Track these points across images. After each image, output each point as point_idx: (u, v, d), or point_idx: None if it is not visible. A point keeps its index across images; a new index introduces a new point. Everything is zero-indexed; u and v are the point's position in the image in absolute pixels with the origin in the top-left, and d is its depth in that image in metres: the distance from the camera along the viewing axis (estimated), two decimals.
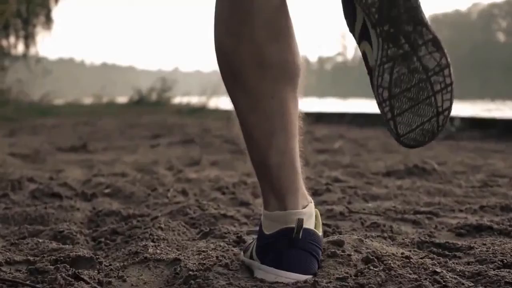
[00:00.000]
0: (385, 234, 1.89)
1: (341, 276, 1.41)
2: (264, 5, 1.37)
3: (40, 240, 1.79)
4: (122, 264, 1.55)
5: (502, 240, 1.80)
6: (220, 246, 1.70)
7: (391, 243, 1.79)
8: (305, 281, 1.37)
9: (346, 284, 1.35)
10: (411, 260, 1.53)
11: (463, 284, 1.36)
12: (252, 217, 2.22)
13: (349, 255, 1.53)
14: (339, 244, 1.61)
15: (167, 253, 1.61)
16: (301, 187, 1.47)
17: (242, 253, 1.59)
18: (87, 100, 17.43)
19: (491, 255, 1.61)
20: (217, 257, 1.57)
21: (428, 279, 1.38)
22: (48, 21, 17.10)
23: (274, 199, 1.45)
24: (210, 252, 1.61)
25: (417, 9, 1.27)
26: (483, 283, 1.38)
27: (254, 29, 1.37)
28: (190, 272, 1.43)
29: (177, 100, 16.17)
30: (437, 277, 1.39)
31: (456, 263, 1.57)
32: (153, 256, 1.57)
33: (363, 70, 1.39)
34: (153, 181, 3.09)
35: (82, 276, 1.40)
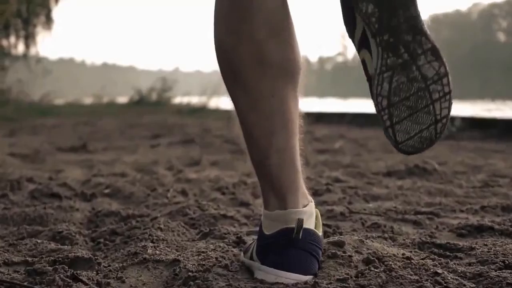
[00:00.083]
0: (386, 235, 1.88)
1: (341, 277, 1.40)
2: (264, 3, 1.36)
3: (39, 241, 1.78)
4: (121, 265, 1.54)
5: (504, 240, 1.79)
6: (219, 246, 1.69)
7: (392, 243, 1.78)
8: (305, 282, 1.36)
9: (346, 285, 1.34)
10: (412, 261, 1.52)
11: (464, 285, 1.35)
12: (252, 218, 2.21)
13: (350, 256, 1.52)
14: (340, 245, 1.60)
15: (166, 254, 1.60)
16: (302, 186, 1.46)
17: (242, 254, 1.58)
18: (87, 100, 17.42)
19: (492, 256, 1.60)
20: (216, 258, 1.56)
21: (429, 280, 1.37)
22: (48, 21, 17.11)
23: (274, 198, 1.44)
24: (210, 253, 1.60)
25: (416, 18, 1.28)
26: (485, 284, 1.37)
27: (254, 27, 1.36)
28: (190, 273, 1.42)
29: (178, 100, 16.17)
30: (438, 278, 1.38)
31: (458, 264, 1.56)
32: (152, 257, 1.56)
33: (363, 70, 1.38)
34: (153, 181, 3.08)
35: (80, 277, 1.39)
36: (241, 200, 2.57)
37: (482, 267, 1.50)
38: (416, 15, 1.28)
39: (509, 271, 1.44)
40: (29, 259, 1.58)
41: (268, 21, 1.37)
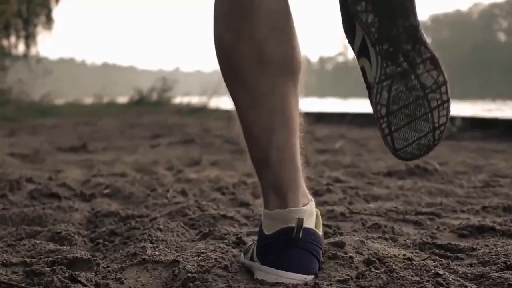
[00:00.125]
0: (387, 236, 1.87)
1: (342, 278, 1.38)
2: (264, 2, 1.35)
3: (37, 241, 1.77)
4: (120, 265, 1.53)
5: (505, 241, 1.78)
6: (219, 247, 1.68)
7: (393, 244, 1.77)
8: (306, 284, 1.35)
9: (347, 286, 1.33)
10: (413, 262, 1.50)
11: (466, 286, 1.34)
12: (252, 218, 2.20)
13: (350, 256, 1.51)
14: (340, 245, 1.59)
15: (165, 255, 1.59)
16: (302, 185, 1.45)
17: (242, 255, 1.57)
18: (88, 100, 17.41)
19: (494, 256, 1.59)
20: (216, 258, 1.55)
21: (430, 281, 1.36)
22: (48, 21, 17.10)
23: (275, 197, 1.43)
24: (209, 254, 1.59)
25: (416, 28, 1.28)
26: (486, 285, 1.36)
27: (254, 26, 1.36)
28: (189, 274, 1.41)
29: (178, 100, 16.16)
30: (439, 279, 1.37)
31: (459, 265, 1.55)
32: (151, 257, 1.55)
33: None
34: (153, 182, 3.07)
35: (79, 278, 1.38)
36: (241, 200, 2.56)
37: (483, 268, 1.49)
38: (416, 25, 1.29)
39: (511, 272, 1.43)
40: (28, 260, 1.57)
41: (268, 19, 1.36)
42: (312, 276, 1.39)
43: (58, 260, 1.53)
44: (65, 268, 1.44)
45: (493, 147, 5.35)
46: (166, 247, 1.70)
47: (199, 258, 1.55)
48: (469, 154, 4.73)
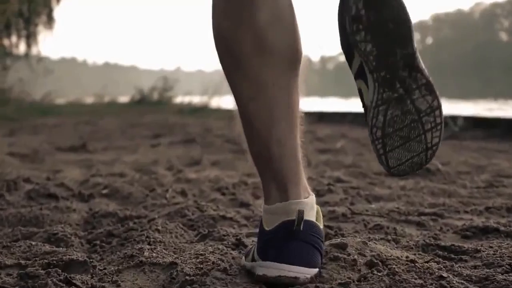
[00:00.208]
0: (389, 237, 1.84)
1: (343, 281, 1.36)
2: None
3: (33, 243, 1.74)
4: (116, 268, 1.50)
5: (510, 242, 1.74)
6: (218, 249, 1.65)
7: (395, 246, 1.74)
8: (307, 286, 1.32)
9: None
10: (416, 264, 1.48)
11: None
12: (252, 219, 2.17)
13: (352, 258, 1.48)
14: (342, 247, 1.57)
15: (163, 257, 1.56)
16: (303, 178, 1.43)
17: (243, 258, 1.54)
18: (89, 100, 17.41)
19: (498, 258, 1.56)
20: (215, 261, 1.52)
21: (434, 284, 1.33)
22: (50, 21, 17.10)
23: (276, 190, 1.41)
24: (208, 256, 1.56)
25: (413, 55, 1.32)
26: None
27: (254, 14, 1.34)
28: (187, 277, 1.38)
29: (179, 99, 16.14)
30: (443, 282, 1.34)
31: (463, 267, 1.52)
32: (148, 259, 1.53)
33: None
34: (152, 182, 3.04)
35: (74, 281, 1.35)
36: (241, 201, 2.53)
37: (488, 270, 1.46)
38: (413, 53, 1.32)
39: None
40: (23, 261, 1.54)
41: (269, 8, 1.34)
42: (316, 270, 1.35)
43: (54, 262, 1.50)
44: (60, 270, 1.41)
45: (495, 147, 5.31)
46: (164, 249, 1.67)
47: (198, 260, 1.52)
48: (471, 154, 4.69)
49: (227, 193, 2.74)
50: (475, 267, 1.53)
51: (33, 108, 12.58)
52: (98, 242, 1.83)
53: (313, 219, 1.39)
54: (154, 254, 1.57)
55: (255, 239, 1.55)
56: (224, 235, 1.84)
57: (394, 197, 2.61)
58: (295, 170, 1.41)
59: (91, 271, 1.48)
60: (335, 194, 2.70)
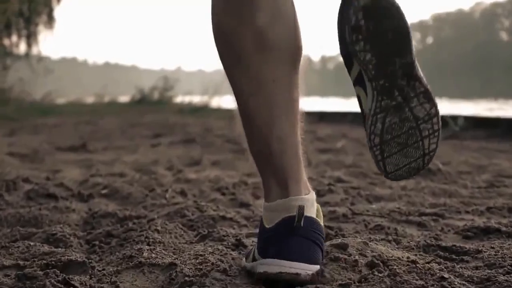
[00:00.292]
0: (390, 237, 1.82)
1: (344, 282, 1.35)
2: None
3: (32, 243, 1.72)
4: (115, 268, 1.49)
5: (511, 243, 1.73)
6: (218, 249, 1.64)
7: (396, 246, 1.72)
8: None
9: None
10: (417, 265, 1.47)
11: None
12: (252, 219, 2.16)
13: (353, 259, 1.47)
14: (343, 247, 1.56)
15: (162, 257, 1.55)
16: (303, 175, 1.42)
17: (243, 259, 1.52)
18: (89, 100, 17.39)
19: (500, 259, 1.55)
20: (215, 261, 1.51)
21: (435, 286, 1.32)
22: (50, 20, 17.10)
23: (276, 187, 1.40)
24: (208, 256, 1.54)
25: (412, 65, 1.32)
26: None
27: (255, 10, 1.33)
28: (186, 278, 1.37)
29: (179, 99, 16.13)
30: (444, 283, 1.33)
31: (464, 268, 1.51)
32: (148, 260, 1.51)
33: None
34: (152, 182, 3.02)
35: (72, 282, 1.34)
36: (241, 201, 2.52)
37: (489, 271, 1.45)
38: (412, 62, 1.32)
39: None
40: (21, 262, 1.53)
41: (269, 5, 1.34)
42: (317, 267, 1.33)
43: (52, 262, 1.49)
44: (59, 271, 1.40)
45: (495, 147, 5.30)
46: (163, 249, 1.66)
47: (197, 261, 1.51)
48: (472, 153, 4.68)
49: (227, 193, 2.73)
50: (476, 267, 1.52)
51: (33, 108, 12.57)
52: (97, 242, 1.82)
53: (314, 215, 1.38)
54: (153, 255, 1.56)
55: (255, 239, 1.54)
56: (224, 236, 1.83)
57: (395, 197, 2.59)
58: (295, 167, 1.40)
59: (90, 271, 1.47)
60: (336, 194, 2.69)
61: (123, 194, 2.66)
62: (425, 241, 1.76)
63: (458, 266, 1.51)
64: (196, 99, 14.98)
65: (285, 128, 1.38)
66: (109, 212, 2.20)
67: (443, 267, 1.49)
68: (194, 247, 1.69)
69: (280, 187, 1.39)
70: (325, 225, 1.54)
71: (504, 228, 1.89)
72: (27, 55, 16.48)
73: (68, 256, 1.54)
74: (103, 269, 1.49)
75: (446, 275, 1.38)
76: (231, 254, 1.61)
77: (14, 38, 16.53)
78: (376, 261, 1.47)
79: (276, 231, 1.36)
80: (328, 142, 5.59)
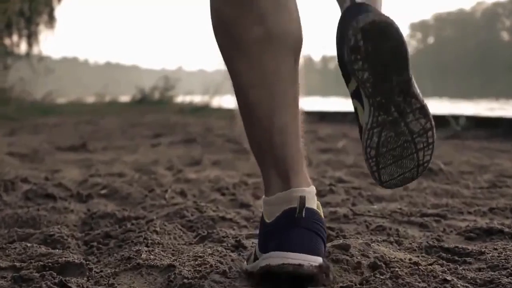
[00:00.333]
0: (391, 238, 1.80)
1: (345, 285, 1.33)
2: None
3: (29, 245, 1.70)
4: (113, 270, 1.47)
5: None
6: (217, 251, 1.62)
7: (398, 248, 1.70)
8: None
9: None
10: (419, 267, 1.45)
11: None
12: (252, 220, 2.14)
13: (355, 260, 1.46)
14: (345, 248, 1.54)
15: (161, 259, 1.53)
16: (304, 168, 1.41)
17: (245, 262, 1.50)
18: (90, 99, 17.38)
19: (503, 260, 1.53)
20: (214, 263, 1.49)
21: None
22: (51, 20, 17.09)
23: (277, 178, 1.38)
24: (207, 258, 1.53)
25: (408, 82, 1.34)
26: None
27: (256, 1, 1.33)
28: (185, 280, 1.35)
29: (180, 99, 16.11)
30: (447, 285, 1.32)
31: (467, 270, 1.49)
32: (146, 262, 1.49)
33: None
34: (151, 182, 3.00)
35: (69, 284, 1.32)
36: (241, 201, 2.50)
37: (493, 273, 1.43)
38: (408, 79, 1.34)
39: None
40: (17, 264, 1.51)
41: None
42: (320, 259, 1.30)
43: (49, 264, 1.47)
44: (56, 273, 1.39)
45: (497, 147, 5.27)
46: (162, 251, 1.64)
47: (196, 263, 1.50)
48: (474, 153, 4.66)
49: (227, 193, 2.71)
50: (479, 269, 1.50)
51: (34, 107, 12.55)
52: (95, 243, 1.79)
53: (315, 207, 1.37)
54: (151, 256, 1.54)
55: (255, 241, 1.52)
56: (223, 237, 1.81)
57: (397, 198, 2.57)
58: (296, 159, 1.39)
59: (87, 273, 1.45)
60: (337, 194, 2.67)
61: (122, 194, 2.64)
62: (427, 242, 1.74)
63: (461, 268, 1.49)
64: (197, 99, 14.96)
65: (286, 119, 1.37)
66: (107, 213, 2.18)
67: (445, 269, 1.47)
68: (193, 248, 1.68)
69: (280, 178, 1.38)
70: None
71: (507, 229, 1.87)
72: (28, 54, 16.47)
73: (65, 257, 1.52)
74: (101, 271, 1.47)
75: (448, 277, 1.37)
76: (230, 255, 1.59)
77: (15, 37, 16.53)
78: (379, 263, 1.45)
79: (276, 224, 1.34)
80: (329, 142, 5.57)
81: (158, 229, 1.85)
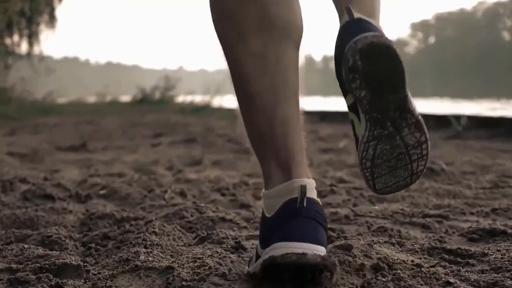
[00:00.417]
0: (393, 240, 1.77)
1: (346, 287, 1.30)
2: None
3: (26, 246, 1.68)
4: (111, 272, 1.45)
5: None
6: (217, 252, 1.60)
7: (400, 249, 1.68)
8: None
9: None
10: (422, 269, 1.42)
11: None
12: (253, 221, 2.11)
13: (358, 262, 1.43)
14: (347, 248, 1.52)
15: (159, 261, 1.51)
16: (305, 160, 1.40)
17: (247, 267, 1.47)
18: (91, 99, 17.37)
19: (506, 262, 1.51)
20: (213, 265, 1.46)
21: None
22: (52, 20, 17.07)
23: (277, 169, 1.37)
24: (206, 260, 1.50)
25: (405, 99, 1.36)
26: None
27: None
28: (183, 283, 1.33)
29: (181, 98, 16.11)
30: None
31: (470, 272, 1.46)
32: (144, 264, 1.47)
33: None
34: (151, 182, 2.98)
35: (65, 286, 1.30)
36: (241, 202, 2.47)
37: (496, 275, 1.41)
38: (405, 97, 1.35)
39: None
40: (14, 266, 1.49)
41: None
42: (324, 249, 1.28)
43: (46, 266, 1.45)
44: (52, 275, 1.36)
45: (499, 147, 5.24)
46: (160, 252, 1.62)
47: (195, 265, 1.47)
48: (475, 153, 4.63)
49: (227, 193, 2.69)
50: (482, 271, 1.48)
51: (34, 107, 12.54)
52: (93, 245, 1.77)
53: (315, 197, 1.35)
54: (150, 258, 1.52)
55: (256, 242, 1.50)
56: (223, 238, 1.79)
57: (398, 198, 2.54)
58: (297, 149, 1.38)
59: (85, 275, 1.43)
60: (338, 195, 2.65)
61: (121, 194, 2.61)
62: (429, 243, 1.71)
63: (464, 270, 1.47)
64: (198, 98, 14.96)
65: (288, 109, 1.37)
66: (106, 213, 2.16)
67: (448, 271, 1.45)
68: (193, 250, 1.65)
69: (281, 169, 1.37)
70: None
71: (510, 230, 1.84)
72: (29, 54, 16.45)
73: (62, 259, 1.50)
74: (98, 273, 1.45)
75: (451, 280, 1.34)
76: (230, 257, 1.57)
77: (16, 37, 16.51)
78: (382, 264, 1.43)
79: (277, 217, 1.32)
80: (330, 142, 5.55)
81: (157, 230, 1.83)
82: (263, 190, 1.41)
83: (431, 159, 3.45)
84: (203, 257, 1.53)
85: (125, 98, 17.72)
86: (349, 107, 1.42)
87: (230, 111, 9.67)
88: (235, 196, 2.61)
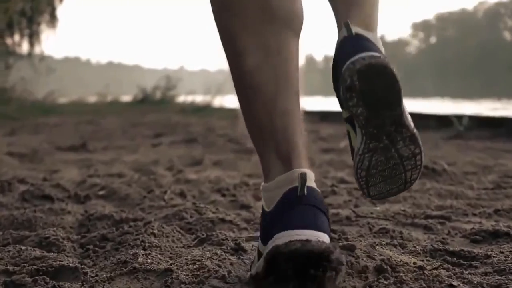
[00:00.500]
0: (395, 241, 1.75)
1: None
2: None
3: (23, 247, 1.66)
4: (109, 274, 1.42)
5: None
6: (216, 254, 1.58)
7: (402, 251, 1.66)
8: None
9: None
10: (424, 271, 1.40)
11: None
12: (253, 222, 2.09)
13: (360, 264, 1.41)
14: (350, 249, 1.50)
15: (158, 263, 1.49)
16: (305, 152, 1.38)
17: (249, 273, 1.44)
18: (92, 99, 17.37)
19: (510, 264, 1.48)
20: (212, 267, 1.44)
21: None
22: (53, 20, 17.06)
23: (277, 160, 1.35)
24: (206, 262, 1.48)
25: (401, 115, 1.38)
26: None
27: None
28: (182, 285, 1.31)
29: (182, 98, 16.10)
30: None
31: (473, 274, 1.44)
32: (142, 266, 1.45)
33: None
34: (151, 182, 2.96)
35: None
36: (241, 203, 2.45)
37: (499, 278, 1.39)
38: (401, 113, 1.38)
39: None
40: (10, 268, 1.47)
41: None
42: (327, 237, 1.25)
43: (43, 268, 1.43)
44: (49, 278, 1.34)
45: (501, 147, 5.22)
46: (159, 254, 1.59)
47: (194, 267, 1.45)
48: (477, 153, 4.61)
49: (227, 194, 2.66)
50: (486, 274, 1.45)
51: (35, 107, 12.53)
52: (91, 246, 1.75)
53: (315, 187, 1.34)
54: (148, 260, 1.50)
55: (256, 243, 1.48)
56: (222, 239, 1.76)
57: (400, 199, 2.52)
58: (298, 141, 1.37)
59: (82, 278, 1.41)
60: (339, 195, 2.63)
61: (120, 195, 2.59)
62: (431, 245, 1.69)
63: (467, 272, 1.45)
64: (199, 98, 14.95)
65: (288, 102, 1.36)
66: (105, 214, 2.14)
67: (451, 274, 1.43)
68: (192, 252, 1.63)
69: (281, 161, 1.35)
70: None
71: None
72: (30, 54, 16.45)
73: (60, 261, 1.48)
74: (96, 275, 1.43)
75: (454, 283, 1.32)
76: (229, 259, 1.55)
77: (17, 37, 16.50)
78: (385, 266, 1.41)
79: (277, 209, 1.29)
80: (331, 142, 5.52)
81: (156, 231, 1.80)
82: (262, 183, 1.39)
83: (432, 159, 3.45)
84: (202, 259, 1.51)
85: (126, 98, 17.72)
86: (345, 119, 1.44)
87: (231, 111, 9.66)
88: (236, 196, 2.59)
